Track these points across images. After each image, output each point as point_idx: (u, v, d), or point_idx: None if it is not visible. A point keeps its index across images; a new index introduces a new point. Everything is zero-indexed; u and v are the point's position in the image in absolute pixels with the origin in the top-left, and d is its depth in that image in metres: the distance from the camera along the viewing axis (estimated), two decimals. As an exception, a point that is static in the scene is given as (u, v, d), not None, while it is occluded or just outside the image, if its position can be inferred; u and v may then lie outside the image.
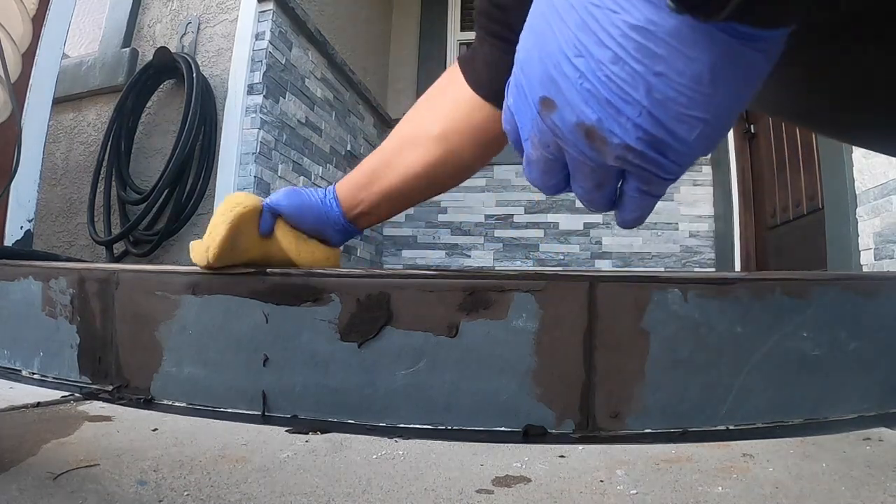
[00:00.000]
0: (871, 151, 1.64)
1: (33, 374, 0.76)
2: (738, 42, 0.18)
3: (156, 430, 0.54)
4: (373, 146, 2.95)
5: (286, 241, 0.66)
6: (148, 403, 0.65)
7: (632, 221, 0.24)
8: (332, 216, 0.67)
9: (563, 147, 0.22)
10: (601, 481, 0.42)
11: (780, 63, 0.21)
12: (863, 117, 0.32)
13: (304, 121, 2.24)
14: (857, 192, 1.70)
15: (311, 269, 0.65)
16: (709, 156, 2.94)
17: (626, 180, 0.22)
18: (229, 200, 0.64)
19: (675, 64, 0.18)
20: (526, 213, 3.00)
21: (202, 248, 0.62)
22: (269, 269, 0.64)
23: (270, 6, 2.00)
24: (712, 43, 0.18)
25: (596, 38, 0.19)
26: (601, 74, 0.19)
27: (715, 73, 0.18)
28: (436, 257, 3.04)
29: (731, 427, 0.57)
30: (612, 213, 0.25)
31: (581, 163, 0.22)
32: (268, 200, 0.66)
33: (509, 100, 0.24)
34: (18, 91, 1.17)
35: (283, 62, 2.09)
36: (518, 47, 0.23)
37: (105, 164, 2.04)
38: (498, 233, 3.02)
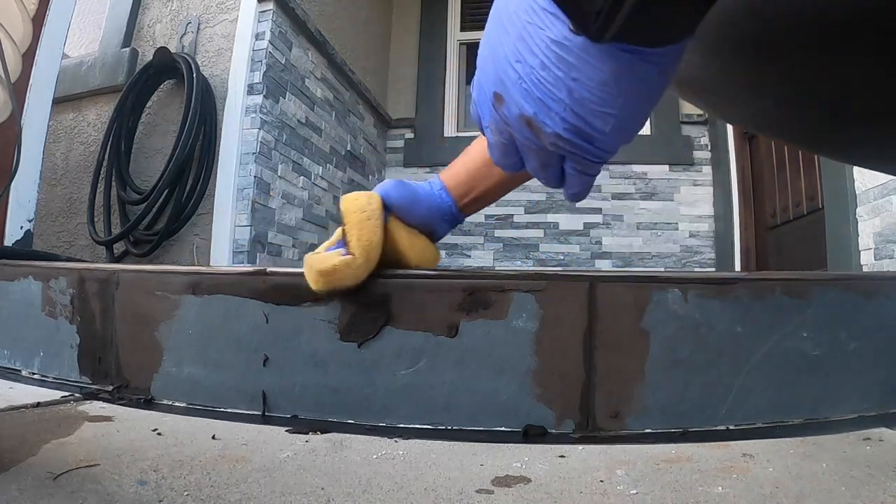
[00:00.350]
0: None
1: (33, 374, 0.76)
2: (630, 56, 0.22)
3: (156, 430, 0.54)
4: (373, 146, 2.96)
5: (399, 235, 0.61)
6: (148, 403, 0.65)
7: (574, 196, 0.29)
8: (444, 206, 0.65)
9: (512, 133, 0.27)
10: (601, 481, 0.42)
11: (774, 81, 0.23)
12: (858, 133, 0.32)
13: (304, 121, 2.24)
14: (857, 192, 1.70)
15: (418, 269, 0.61)
16: (709, 156, 2.94)
17: (565, 161, 0.28)
18: (355, 200, 0.59)
19: (585, 71, 0.23)
20: (526, 213, 3.00)
21: (342, 263, 0.56)
22: (268, 269, 0.64)
23: (270, 6, 2.00)
24: (609, 56, 0.22)
25: (529, 48, 0.24)
26: (534, 77, 0.24)
27: (616, 80, 0.23)
28: (436, 257, 3.03)
29: (731, 427, 0.57)
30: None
31: (527, 147, 0.27)
32: (380, 193, 0.63)
33: (473, 94, 0.30)
34: (18, 91, 1.17)
35: (283, 62, 2.09)
36: (479, 50, 0.28)
37: (105, 164, 2.04)
38: (498, 233, 3.02)
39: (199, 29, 2.08)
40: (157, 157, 2.02)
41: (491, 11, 0.26)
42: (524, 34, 0.24)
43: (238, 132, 1.94)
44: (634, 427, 0.57)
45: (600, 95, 0.23)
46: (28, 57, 1.30)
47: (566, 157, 0.27)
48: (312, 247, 2.29)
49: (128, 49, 2.19)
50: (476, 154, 0.66)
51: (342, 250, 0.58)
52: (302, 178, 2.23)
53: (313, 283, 0.58)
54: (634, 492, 0.40)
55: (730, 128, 2.67)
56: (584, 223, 2.92)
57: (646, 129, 2.92)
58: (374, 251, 0.57)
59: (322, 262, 0.57)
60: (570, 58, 0.23)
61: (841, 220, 1.76)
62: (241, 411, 0.62)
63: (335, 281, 0.57)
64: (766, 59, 0.29)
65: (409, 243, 0.62)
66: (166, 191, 1.86)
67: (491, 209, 3.03)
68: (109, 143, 2.02)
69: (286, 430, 0.56)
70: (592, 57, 0.22)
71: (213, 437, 0.52)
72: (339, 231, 0.62)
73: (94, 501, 0.36)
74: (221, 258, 1.85)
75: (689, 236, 2.85)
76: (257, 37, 1.99)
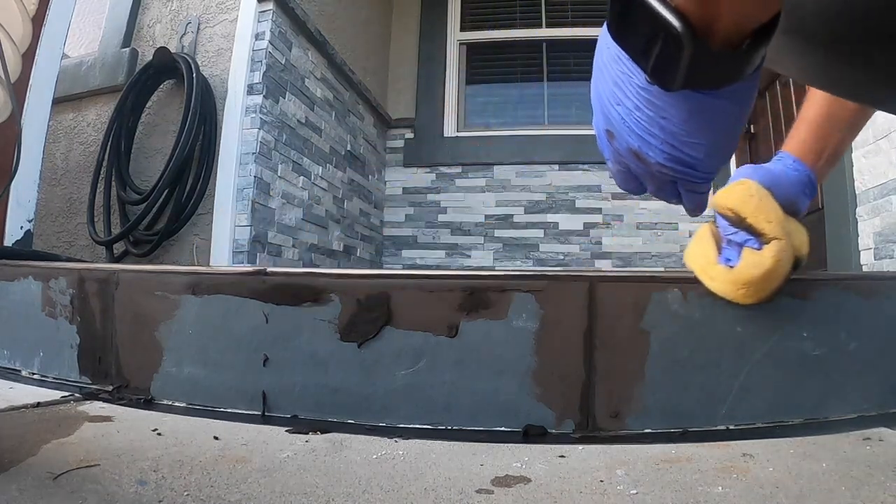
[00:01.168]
0: (871, 151, 1.64)
1: (33, 374, 0.76)
2: (702, 96, 0.26)
3: (156, 430, 0.54)
4: (373, 146, 2.96)
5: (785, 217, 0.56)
6: (148, 403, 0.65)
7: (692, 211, 0.33)
8: (804, 178, 0.62)
9: (627, 163, 0.31)
10: (601, 481, 0.42)
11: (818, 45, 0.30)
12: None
13: (303, 121, 2.24)
14: (856, 192, 1.70)
15: (794, 254, 0.56)
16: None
17: (677, 183, 0.31)
18: (735, 191, 0.55)
19: (669, 111, 0.27)
20: (526, 213, 3.00)
21: (776, 254, 0.53)
22: (268, 269, 0.64)
23: (270, 6, 2.00)
24: (684, 99, 0.26)
25: (623, 93, 0.28)
26: (632, 117, 0.28)
27: (696, 116, 0.27)
28: (436, 257, 3.03)
29: (731, 427, 0.57)
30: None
31: (641, 174, 0.31)
32: (748, 178, 0.60)
33: (595, 129, 0.34)
34: (18, 91, 1.17)
35: (283, 62, 2.09)
36: (591, 93, 0.32)
37: (105, 164, 2.04)
38: (498, 233, 3.02)
39: (198, 29, 2.08)
40: (157, 157, 2.02)
41: (594, 59, 0.30)
42: (618, 80, 0.28)
43: (238, 132, 1.94)
44: (634, 427, 0.57)
45: (686, 129, 0.27)
46: (28, 57, 1.30)
47: (676, 179, 0.30)
48: (312, 247, 2.29)
49: (128, 49, 2.19)
50: (815, 115, 0.62)
51: (752, 247, 0.54)
52: (302, 178, 2.23)
53: (749, 296, 0.55)
54: (634, 492, 0.40)
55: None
56: (584, 223, 2.92)
57: (646, 129, 2.92)
58: (786, 229, 0.53)
59: (749, 269, 0.53)
60: (655, 100, 0.27)
61: (841, 220, 1.76)
62: (241, 411, 0.62)
63: (777, 278, 0.54)
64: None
65: (784, 227, 0.55)
66: (166, 191, 1.86)
67: (491, 209, 3.03)
68: (109, 143, 2.02)
69: (286, 430, 0.56)
70: (671, 99, 0.26)
71: (215, 438, 0.52)
72: (712, 233, 0.59)
73: (94, 501, 0.36)
74: (221, 258, 1.85)
75: (689, 236, 2.84)
76: (257, 37, 1.99)
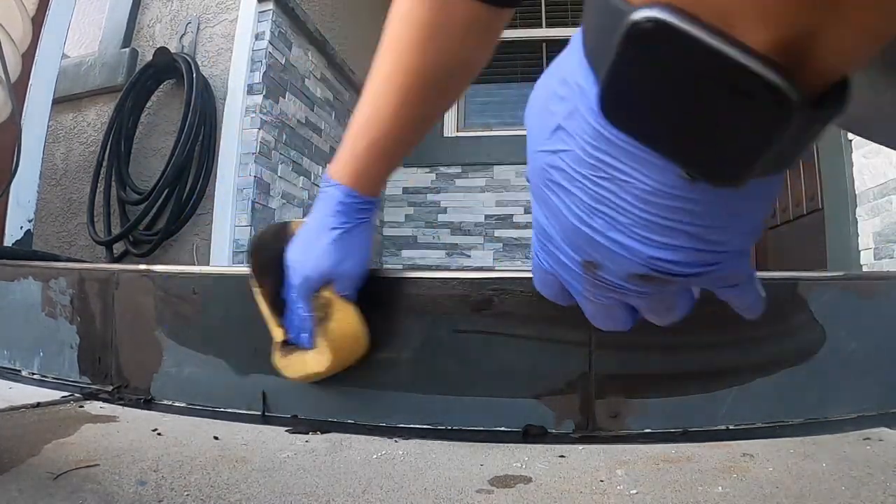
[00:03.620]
0: (871, 151, 1.64)
1: (33, 374, 0.76)
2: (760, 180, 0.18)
3: (156, 430, 0.54)
4: (373, 146, 2.96)
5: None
6: (148, 403, 0.65)
7: (753, 311, 0.25)
8: (337, 200, 0.53)
9: (623, 290, 0.22)
10: (601, 481, 0.42)
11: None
12: None
13: (304, 121, 2.24)
14: (856, 192, 1.70)
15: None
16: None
17: (708, 288, 0.23)
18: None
19: (707, 209, 0.18)
20: (526, 212, 3.00)
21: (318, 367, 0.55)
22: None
23: (270, 6, 2.00)
24: (735, 191, 0.18)
25: (620, 207, 0.19)
26: (638, 235, 0.19)
27: (744, 205, 0.19)
28: (436, 257, 3.03)
29: (731, 427, 0.57)
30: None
31: (648, 298, 0.23)
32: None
33: (544, 265, 0.25)
34: (18, 91, 1.17)
35: (283, 62, 2.09)
36: (538, 222, 0.24)
37: (105, 164, 2.04)
38: (498, 233, 3.02)
39: (198, 29, 2.08)
40: (157, 158, 2.02)
41: (532, 177, 0.23)
42: (603, 192, 0.19)
43: (238, 132, 1.94)
44: (634, 427, 0.57)
45: (726, 224, 0.19)
46: (28, 57, 1.30)
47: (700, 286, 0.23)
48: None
49: (128, 49, 2.19)
50: (384, 134, 0.52)
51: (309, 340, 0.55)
52: (302, 178, 2.23)
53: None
54: (634, 492, 0.40)
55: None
56: (584, 223, 2.92)
57: (646, 129, 2.93)
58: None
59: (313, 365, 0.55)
60: (689, 205, 0.18)
61: (841, 220, 1.76)
62: (241, 411, 0.62)
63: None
64: None
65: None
66: (166, 191, 1.86)
67: (491, 209, 3.03)
68: (109, 144, 2.02)
69: (286, 431, 0.56)
70: (716, 195, 0.18)
71: (215, 438, 0.52)
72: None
73: (94, 501, 0.36)
74: (221, 258, 1.85)
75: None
76: (257, 37, 1.99)
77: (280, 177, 2.07)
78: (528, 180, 0.24)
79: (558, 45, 3.21)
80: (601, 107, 0.17)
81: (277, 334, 0.57)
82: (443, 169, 3.10)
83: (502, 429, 0.57)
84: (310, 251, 0.54)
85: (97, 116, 2.22)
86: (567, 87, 0.20)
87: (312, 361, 0.55)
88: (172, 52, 2.02)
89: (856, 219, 1.70)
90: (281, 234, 0.58)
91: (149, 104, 2.10)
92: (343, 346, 0.55)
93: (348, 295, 0.55)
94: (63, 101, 2.19)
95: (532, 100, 0.23)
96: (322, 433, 0.55)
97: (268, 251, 0.57)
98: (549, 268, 0.25)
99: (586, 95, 0.18)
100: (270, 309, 0.57)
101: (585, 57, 0.18)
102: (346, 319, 0.54)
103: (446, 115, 3.19)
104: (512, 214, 3.02)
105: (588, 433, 0.56)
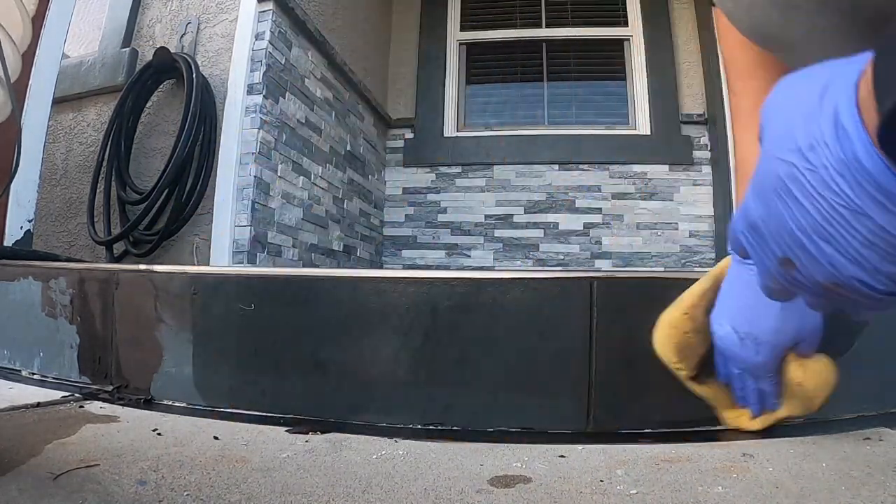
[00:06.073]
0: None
1: (33, 374, 0.76)
2: None
3: (156, 430, 0.54)
4: (373, 146, 2.96)
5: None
6: (148, 403, 0.65)
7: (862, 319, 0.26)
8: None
9: (802, 287, 0.25)
10: (601, 481, 0.42)
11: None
12: None
13: (303, 121, 2.24)
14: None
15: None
16: (709, 155, 2.94)
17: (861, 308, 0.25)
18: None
19: None
20: (526, 213, 3.00)
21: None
22: (269, 270, 0.64)
23: (270, 6, 1.99)
24: None
25: (854, 231, 0.21)
26: (857, 253, 0.21)
27: None
28: (436, 257, 3.03)
29: (731, 427, 0.57)
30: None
31: (818, 298, 0.25)
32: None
33: (745, 244, 0.28)
34: (18, 91, 1.17)
35: (283, 62, 2.09)
36: (751, 211, 0.26)
37: (105, 164, 2.04)
38: (498, 233, 3.02)
39: (198, 29, 2.08)
40: (157, 157, 2.02)
41: (762, 178, 0.24)
42: (835, 216, 0.21)
43: (238, 132, 1.93)
44: (634, 427, 0.57)
45: None
46: (28, 57, 1.30)
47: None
48: (312, 247, 2.29)
49: (128, 49, 2.19)
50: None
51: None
52: (302, 178, 2.23)
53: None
54: (634, 492, 0.40)
55: (730, 127, 2.67)
56: (584, 223, 2.92)
57: (646, 129, 2.92)
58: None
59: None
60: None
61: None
62: (241, 411, 0.62)
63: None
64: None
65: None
66: (166, 191, 1.86)
67: (491, 209, 3.03)
68: (109, 143, 2.02)
69: (286, 431, 0.56)
70: None
71: (215, 438, 0.52)
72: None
73: (94, 501, 0.36)
74: (221, 258, 1.85)
75: (689, 236, 2.84)
76: (257, 37, 1.99)
77: (280, 177, 2.07)
78: (756, 174, 0.25)
79: (558, 45, 3.21)
80: (882, 137, 0.18)
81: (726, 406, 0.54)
82: (443, 169, 3.10)
83: (502, 429, 0.57)
84: (759, 321, 0.48)
85: (97, 116, 2.22)
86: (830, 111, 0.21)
87: (783, 413, 0.53)
88: (172, 52, 2.02)
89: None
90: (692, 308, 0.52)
91: (149, 104, 2.10)
92: (817, 397, 0.51)
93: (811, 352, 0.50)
94: (63, 101, 2.18)
95: (781, 99, 0.24)
96: (322, 433, 0.55)
97: (676, 331, 0.52)
98: (750, 251, 0.27)
99: (858, 130, 0.20)
100: (707, 390, 0.54)
101: (875, 87, 0.19)
102: (817, 377, 0.50)
103: (446, 115, 3.19)
104: (512, 214, 3.02)
105: (588, 433, 0.56)
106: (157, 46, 2.04)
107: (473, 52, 3.27)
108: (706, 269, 0.56)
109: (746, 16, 0.35)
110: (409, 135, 3.21)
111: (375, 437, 0.54)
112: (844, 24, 0.29)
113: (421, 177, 3.12)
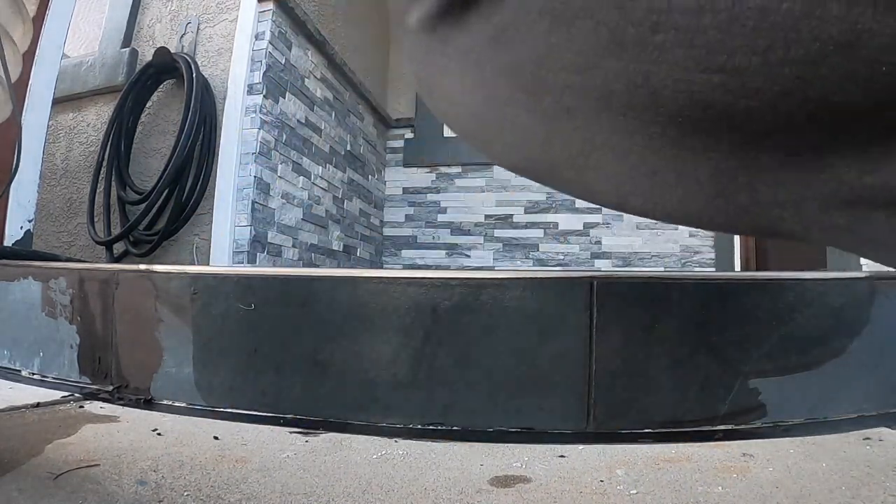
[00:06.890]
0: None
1: (33, 374, 0.76)
2: None
3: (156, 430, 0.54)
4: (373, 146, 2.96)
5: None
6: (148, 403, 0.65)
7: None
8: None
9: None
10: (601, 481, 0.42)
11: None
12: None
13: (303, 121, 2.24)
14: (857, 192, 1.70)
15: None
16: (709, 156, 2.94)
17: None
18: None
19: None
20: (526, 213, 3.00)
21: None
22: (269, 270, 0.64)
23: (270, 6, 1.99)
24: None
25: None
26: None
27: None
28: (436, 257, 3.03)
29: (731, 427, 0.57)
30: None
31: None
32: None
33: None
34: (18, 91, 1.17)
35: (283, 62, 2.09)
36: None
37: (105, 164, 2.04)
38: (498, 233, 3.02)
39: (198, 29, 2.08)
40: (157, 157, 2.02)
41: None
42: None
43: (238, 132, 1.94)
44: (634, 427, 0.57)
45: None
46: (28, 57, 1.30)
47: None
48: (312, 247, 2.29)
49: (128, 49, 2.19)
50: None
51: None
52: (302, 178, 2.23)
53: None
54: (634, 492, 0.40)
55: (730, 128, 2.66)
56: (584, 223, 2.92)
57: (646, 129, 2.93)
58: None
59: None
60: None
61: (841, 220, 1.75)
62: (241, 411, 0.62)
63: None
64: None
65: None
66: (166, 191, 1.86)
67: (491, 209, 3.03)
68: (109, 143, 2.02)
69: (286, 431, 0.56)
70: None
71: (215, 438, 0.52)
72: None
73: (94, 501, 0.36)
74: (221, 258, 1.85)
75: (689, 236, 2.85)
76: (257, 37, 1.99)
77: (280, 177, 2.07)
78: None
79: (558, 45, 3.23)
80: None
81: None
82: (443, 169, 3.10)
83: (502, 429, 0.57)
84: None
85: (97, 116, 2.22)
86: None
87: None
88: (172, 52, 2.02)
89: (856, 219, 1.70)
90: None
91: (149, 104, 2.10)
92: None
93: None
94: (63, 101, 2.19)
95: None
96: (322, 433, 0.55)
97: None
98: None
99: None
100: None
101: None
102: None
103: (446, 115, 3.19)
104: (512, 214, 3.02)
105: (588, 433, 0.56)
106: (157, 46, 2.04)
107: (473, 52, 3.27)
108: (706, 269, 0.56)
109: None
110: (409, 135, 3.21)
111: (375, 437, 0.54)
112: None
113: (421, 177, 3.12)
